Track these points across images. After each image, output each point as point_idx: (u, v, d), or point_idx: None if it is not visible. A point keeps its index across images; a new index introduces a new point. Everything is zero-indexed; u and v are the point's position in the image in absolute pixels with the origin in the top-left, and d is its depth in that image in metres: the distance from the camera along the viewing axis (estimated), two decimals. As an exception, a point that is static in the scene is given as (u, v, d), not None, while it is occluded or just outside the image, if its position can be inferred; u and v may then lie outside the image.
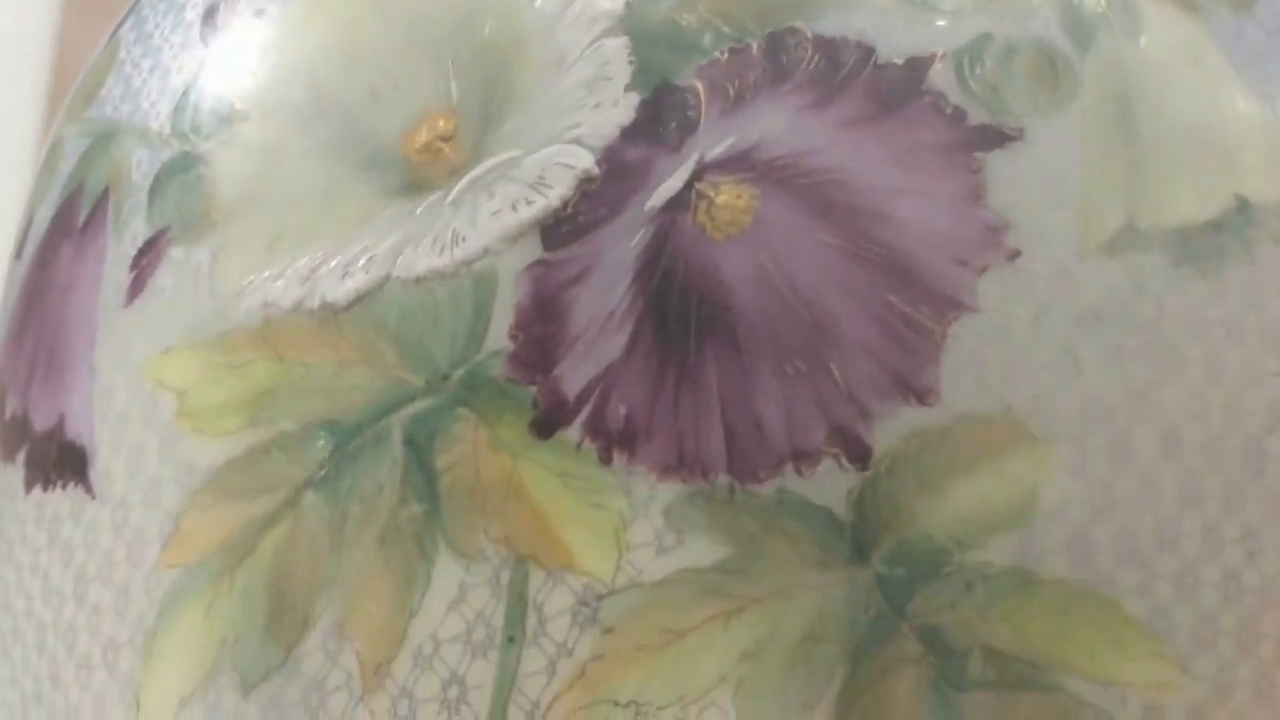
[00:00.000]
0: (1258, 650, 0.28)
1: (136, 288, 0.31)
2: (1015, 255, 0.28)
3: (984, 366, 0.27)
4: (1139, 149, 0.29)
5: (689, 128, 0.28)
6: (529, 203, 0.28)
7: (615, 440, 0.27)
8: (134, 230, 0.32)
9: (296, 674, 0.28)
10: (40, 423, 0.32)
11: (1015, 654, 0.27)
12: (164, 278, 0.31)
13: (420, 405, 0.28)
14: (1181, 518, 0.27)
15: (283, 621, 0.28)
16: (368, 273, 0.29)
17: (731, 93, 0.28)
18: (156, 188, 0.32)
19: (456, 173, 0.29)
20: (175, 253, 0.31)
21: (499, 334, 0.28)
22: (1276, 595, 0.28)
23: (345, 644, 0.28)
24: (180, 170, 0.32)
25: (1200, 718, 0.27)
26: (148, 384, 0.30)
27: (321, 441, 0.28)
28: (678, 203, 0.28)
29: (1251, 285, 0.29)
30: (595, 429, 0.27)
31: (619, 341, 0.27)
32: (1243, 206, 0.29)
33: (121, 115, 0.33)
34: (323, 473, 0.28)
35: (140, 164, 0.32)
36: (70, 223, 0.33)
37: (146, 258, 0.31)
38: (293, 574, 0.28)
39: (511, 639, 0.27)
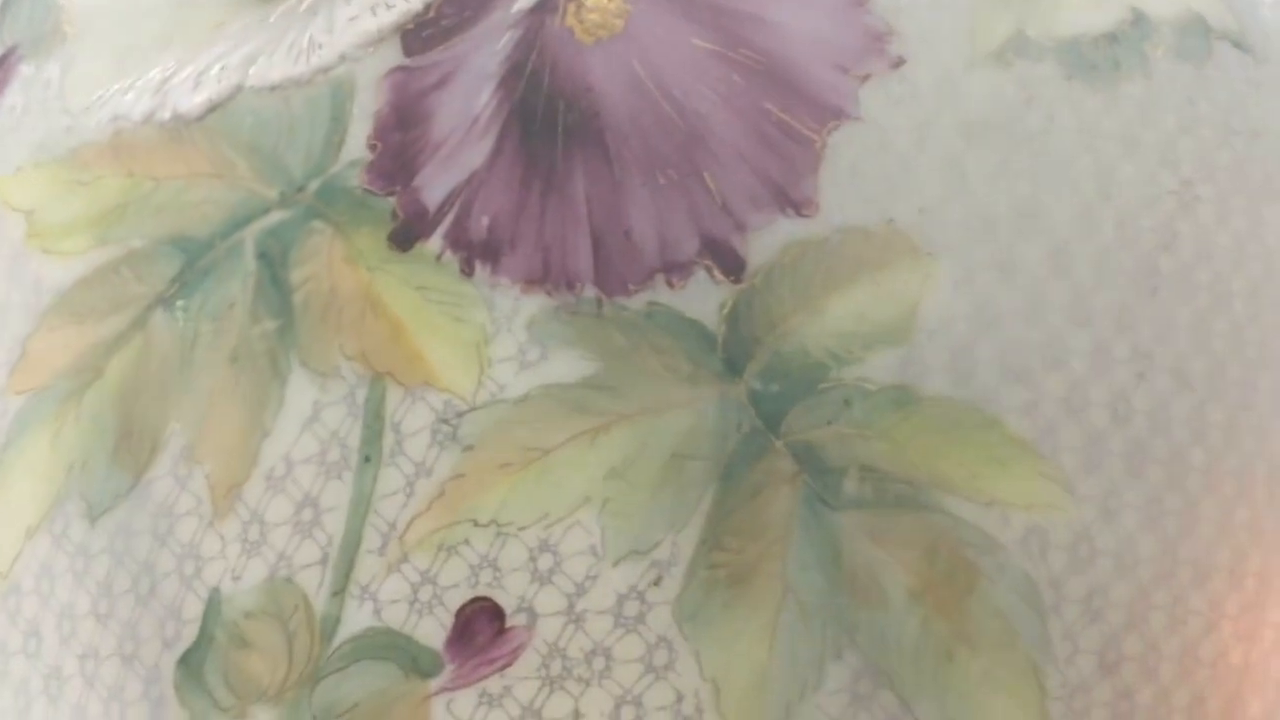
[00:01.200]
0: (1146, 474, 0.27)
1: (-15, 108, 0.30)
2: (899, 63, 0.27)
3: (865, 177, 0.26)
4: (1031, -46, 0.28)
5: (558, -73, 0.27)
6: (389, 6, 0.27)
7: (477, 251, 0.26)
8: (-16, 50, 0.30)
9: (145, 500, 0.27)
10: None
11: (893, 473, 0.25)
12: (13, 95, 0.29)
13: (274, 218, 0.27)
14: (1070, 336, 0.26)
15: (131, 446, 0.27)
16: (220, 82, 0.27)
17: (603, -110, 0.27)
18: (8, 6, 0.30)
19: (315, -23, 0.28)
20: (25, 69, 0.29)
21: (357, 143, 0.27)
22: (1167, 418, 0.27)
23: (195, 468, 0.26)
24: (31, -15, 0.30)
25: (1086, 540, 0.26)
26: (-4, 207, 0.29)
27: (171, 258, 0.27)
28: (545, 5, 0.26)
29: (1146, 100, 0.28)
30: (457, 240, 0.26)
31: (482, 149, 0.26)
32: (1139, 19, 0.28)
33: (-26, -65, 0.32)
34: (172, 290, 0.27)
35: (-8, -17, 0.31)
36: (-79, 48, 0.32)
37: (-5, 76, 0.30)
38: (141, 396, 0.27)
39: (367, 459, 0.26)
